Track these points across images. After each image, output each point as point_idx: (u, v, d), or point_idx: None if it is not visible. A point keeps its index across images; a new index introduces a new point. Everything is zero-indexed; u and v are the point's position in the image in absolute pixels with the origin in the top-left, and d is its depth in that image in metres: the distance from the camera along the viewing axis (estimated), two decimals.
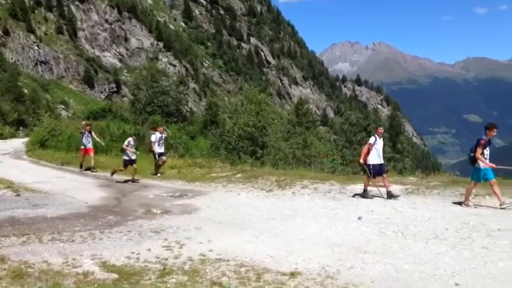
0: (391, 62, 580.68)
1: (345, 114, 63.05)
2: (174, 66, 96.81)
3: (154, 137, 15.78)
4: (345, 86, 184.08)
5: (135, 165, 14.69)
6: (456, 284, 5.09)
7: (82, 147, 17.61)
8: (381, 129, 11.25)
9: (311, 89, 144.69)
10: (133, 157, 14.73)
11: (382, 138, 11.13)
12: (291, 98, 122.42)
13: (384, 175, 10.91)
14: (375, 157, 10.87)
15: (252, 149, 23.73)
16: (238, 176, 14.28)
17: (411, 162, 61.73)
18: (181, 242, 7.04)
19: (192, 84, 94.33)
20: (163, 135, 16.21)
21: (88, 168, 17.11)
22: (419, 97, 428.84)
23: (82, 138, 17.66)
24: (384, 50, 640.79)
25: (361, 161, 10.90)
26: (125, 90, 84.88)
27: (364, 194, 10.79)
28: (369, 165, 10.79)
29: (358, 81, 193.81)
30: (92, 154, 17.48)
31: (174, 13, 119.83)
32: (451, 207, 9.50)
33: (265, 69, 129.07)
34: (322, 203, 10.42)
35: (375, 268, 5.72)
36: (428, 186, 11.72)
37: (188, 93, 66.84)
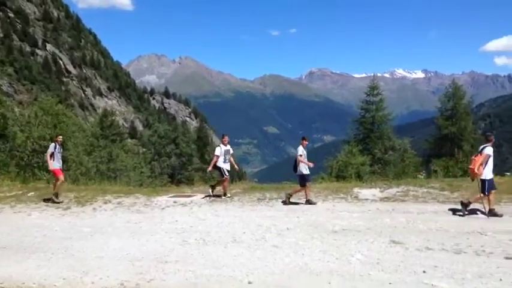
0: (198, 76, 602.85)
1: (153, 127, 62.61)
2: None
3: (219, 150, 12.21)
4: (154, 99, 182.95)
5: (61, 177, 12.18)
6: (249, 282, 5.44)
7: (56, 166, 12.16)
8: (492, 137, 9.43)
9: (117, 101, 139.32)
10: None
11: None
12: (95, 110, 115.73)
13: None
14: (491, 170, 9.18)
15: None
16: (30, 194, 12.80)
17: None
18: None
19: None
20: (229, 148, 12.49)
21: (48, 199, 12.10)
22: (225, 110, 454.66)
23: (54, 153, 12.14)
24: (191, 64, 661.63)
25: (482, 177, 9.02)
26: None
27: (495, 212, 8.89)
28: (485, 180, 9.04)
29: (166, 94, 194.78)
30: (62, 177, 12.27)
31: None
32: (249, 211, 10.21)
33: (64, 79, 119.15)
34: (126, 217, 10.06)
35: (175, 277, 5.73)
36: (230, 193, 12.41)
37: None
